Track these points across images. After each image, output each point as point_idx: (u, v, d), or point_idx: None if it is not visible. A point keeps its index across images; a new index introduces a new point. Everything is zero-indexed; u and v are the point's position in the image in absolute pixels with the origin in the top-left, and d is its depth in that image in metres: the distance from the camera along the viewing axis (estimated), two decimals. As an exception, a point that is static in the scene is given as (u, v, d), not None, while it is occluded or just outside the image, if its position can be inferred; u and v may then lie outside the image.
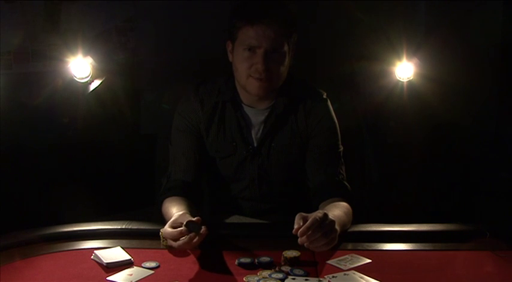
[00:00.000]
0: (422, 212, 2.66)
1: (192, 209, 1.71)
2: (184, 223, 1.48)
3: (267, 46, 1.76)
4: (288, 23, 1.79)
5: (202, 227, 1.49)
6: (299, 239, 1.46)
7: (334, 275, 1.40)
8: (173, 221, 1.55)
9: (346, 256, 1.52)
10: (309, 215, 1.48)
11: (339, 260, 1.49)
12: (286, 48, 1.80)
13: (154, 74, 2.65)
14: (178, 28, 2.62)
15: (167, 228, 1.54)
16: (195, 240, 1.48)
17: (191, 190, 1.85)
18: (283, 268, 1.43)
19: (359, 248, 1.59)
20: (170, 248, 1.56)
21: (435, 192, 2.75)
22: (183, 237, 1.48)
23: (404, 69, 2.38)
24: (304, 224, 1.45)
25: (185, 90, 1.97)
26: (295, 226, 1.45)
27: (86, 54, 2.29)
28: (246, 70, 1.80)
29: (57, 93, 2.40)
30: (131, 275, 1.41)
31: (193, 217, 1.54)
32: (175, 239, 1.51)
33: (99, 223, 1.71)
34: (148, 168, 2.62)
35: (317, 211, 1.51)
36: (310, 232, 1.44)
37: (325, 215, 1.50)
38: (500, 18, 2.65)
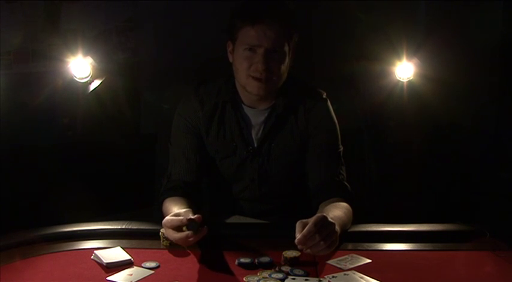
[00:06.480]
0: (422, 212, 2.66)
1: (192, 209, 1.70)
2: (187, 219, 1.48)
3: (267, 46, 1.75)
4: (289, 23, 1.80)
5: (204, 227, 1.49)
6: (298, 246, 1.45)
7: (334, 275, 1.40)
8: (176, 213, 1.55)
9: (346, 256, 1.52)
10: (308, 220, 1.47)
11: (339, 260, 1.49)
12: (286, 48, 1.80)
13: (154, 74, 2.65)
14: (178, 28, 2.62)
15: (168, 217, 1.53)
16: (191, 239, 1.48)
17: (191, 190, 1.85)
18: (283, 268, 1.43)
19: (359, 248, 1.58)
20: (170, 248, 1.56)
21: (435, 192, 2.75)
22: (181, 233, 1.48)
23: (404, 69, 2.38)
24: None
25: (185, 90, 1.97)
26: (297, 235, 1.45)
27: (86, 54, 2.29)
28: (246, 70, 1.79)
29: (57, 93, 2.40)
30: (131, 275, 1.41)
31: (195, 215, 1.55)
32: (174, 228, 1.50)
33: (99, 223, 1.71)
34: (148, 168, 2.62)
35: (316, 215, 1.50)
36: (308, 239, 1.44)
37: (325, 218, 1.49)
38: (500, 18, 2.65)
